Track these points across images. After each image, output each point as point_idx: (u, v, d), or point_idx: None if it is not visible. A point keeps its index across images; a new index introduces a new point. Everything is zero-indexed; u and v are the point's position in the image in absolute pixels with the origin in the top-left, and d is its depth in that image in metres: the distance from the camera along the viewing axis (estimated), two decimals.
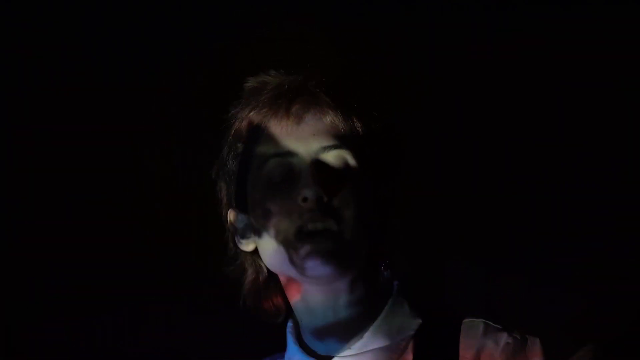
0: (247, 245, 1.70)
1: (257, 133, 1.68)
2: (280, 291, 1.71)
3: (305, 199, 1.60)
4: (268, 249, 1.66)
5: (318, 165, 1.63)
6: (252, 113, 1.69)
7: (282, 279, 1.69)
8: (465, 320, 1.66)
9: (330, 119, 1.65)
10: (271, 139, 1.66)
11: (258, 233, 1.67)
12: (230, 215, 1.73)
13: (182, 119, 2.27)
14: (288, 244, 1.62)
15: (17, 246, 2.23)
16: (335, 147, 1.64)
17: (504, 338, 1.62)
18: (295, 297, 1.68)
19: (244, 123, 1.70)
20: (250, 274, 1.72)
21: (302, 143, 1.64)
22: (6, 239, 2.23)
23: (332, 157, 1.64)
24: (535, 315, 2.17)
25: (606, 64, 2.19)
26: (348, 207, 1.61)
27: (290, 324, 1.73)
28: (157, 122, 2.27)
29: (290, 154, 1.64)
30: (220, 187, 1.75)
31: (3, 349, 2.21)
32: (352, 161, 1.64)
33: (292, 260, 1.62)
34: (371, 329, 1.66)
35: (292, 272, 1.64)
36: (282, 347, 1.75)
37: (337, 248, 1.60)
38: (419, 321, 1.67)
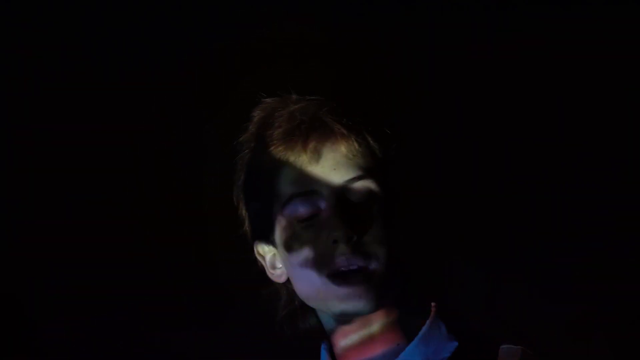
0: (280, 277, 1.69)
1: (276, 170, 1.64)
2: (316, 315, 1.69)
3: (335, 242, 1.58)
4: (302, 287, 1.64)
5: (343, 202, 1.60)
6: (268, 148, 1.65)
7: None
8: (503, 346, 1.64)
9: (346, 148, 1.62)
10: (291, 177, 1.63)
11: (288, 268, 1.66)
12: (258, 248, 1.71)
13: (182, 119, 2.27)
14: (324, 286, 1.60)
15: (17, 246, 2.23)
16: (357, 178, 1.61)
17: None
18: (327, 322, 1.66)
19: (262, 158, 1.66)
20: (284, 299, 1.70)
21: (324, 180, 1.61)
22: (6, 239, 2.22)
23: (355, 189, 1.61)
24: (536, 316, 2.17)
25: (606, 64, 2.19)
26: (378, 243, 1.59)
27: (325, 345, 1.71)
28: (157, 122, 2.27)
29: (314, 192, 1.61)
30: (242, 216, 1.72)
31: (3, 349, 2.21)
32: (375, 189, 1.62)
33: (328, 301, 1.60)
34: (407, 350, 1.64)
35: (329, 311, 1.62)
36: None
37: (371, 287, 1.58)
38: (456, 344, 1.65)
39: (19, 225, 2.24)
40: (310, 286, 1.62)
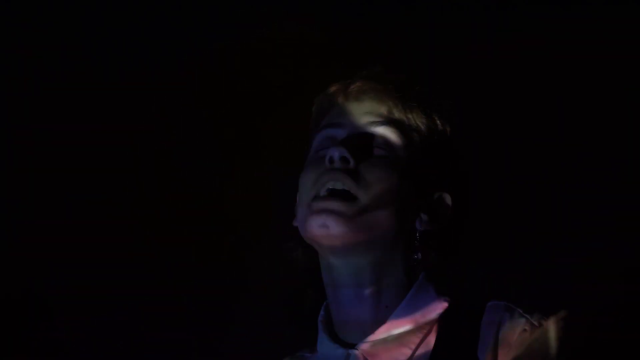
0: (295, 221, 1.71)
1: (322, 112, 1.73)
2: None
3: (331, 160, 1.62)
4: (298, 215, 1.67)
5: (358, 133, 1.66)
6: (322, 96, 1.74)
7: (320, 256, 1.69)
8: (490, 303, 1.66)
9: (388, 105, 1.67)
10: (329, 114, 1.71)
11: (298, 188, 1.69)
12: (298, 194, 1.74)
13: (182, 119, 2.27)
14: (306, 206, 1.63)
15: (17, 246, 2.23)
16: (383, 122, 1.66)
17: (521, 324, 1.62)
18: (324, 276, 1.68)
19: (315, 107, 1.76)
20: (300, 251, 1.73)
21: (353, 118, 1.67)
22: (6, 238, 2.22)
23: (377, 131, 1.66)
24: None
25: (606, 64, 2.19)
26: (374, 174, 1.62)
27: (322, 313, 1.73)
28: (157, 122, 2.27)
29: (339, 124, 1.68)
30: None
31: (3, 349, 2.21)
32: (396, 140, 1.65)
33: (306, 223, 1.62)
34: (395, 312, 1.66)
35: (307, 236, 1.64)
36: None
37: (351, 211, 1.59)
38: (445, 305, 1.67)
39: (18, 225, 2.24)
40: (299, 211, 1.66)
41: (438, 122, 1.71)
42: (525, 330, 1.61)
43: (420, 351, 1.64)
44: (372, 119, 1.67)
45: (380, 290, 1.66)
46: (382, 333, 1.64)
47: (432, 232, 1.68)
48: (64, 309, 2.24)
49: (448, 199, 1.71)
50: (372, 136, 1.66)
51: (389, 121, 1.67)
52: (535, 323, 1.62)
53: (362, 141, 1.65)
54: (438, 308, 1.67)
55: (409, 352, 1.64)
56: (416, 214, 1.67)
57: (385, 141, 1.65)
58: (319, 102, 1.75)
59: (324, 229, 1.59)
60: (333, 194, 1.60)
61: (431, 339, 1.64)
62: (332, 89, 1.73)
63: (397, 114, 1.67)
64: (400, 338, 1.64)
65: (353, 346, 1.66)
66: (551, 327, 1.62)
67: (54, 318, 2.22)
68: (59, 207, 2.25)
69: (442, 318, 1.66)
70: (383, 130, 1.66)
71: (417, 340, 1.64)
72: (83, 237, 2.23)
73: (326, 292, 1.70)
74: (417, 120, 1.68)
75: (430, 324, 1.65)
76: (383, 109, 1.68)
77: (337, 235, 1.59)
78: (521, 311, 1.63)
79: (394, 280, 1.66)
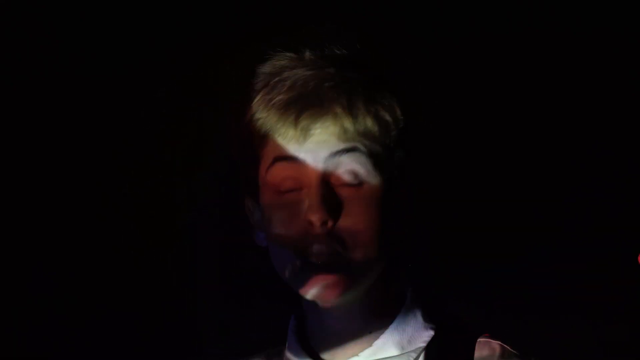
0: (261, 242, 1.63)
1: (266, 134, 1.59)
2: None
3: (311, 223, 1.53)
4: (276, 264, 1.59)
5: (326, 179, 1.54)
6: (263, 112, 1.59)
7: None
8: (481, 339, 1.61)
9: (341, 124, 1.55)
10: (278, 144, 1.57)
11: (268, 238, 1.60)
12: (247, 202, 1.66)
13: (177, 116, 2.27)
14: (294, 272, 1.55)
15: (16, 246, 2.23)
16: (346, 150, 1.54)
17: None
18: (305, 303, 1.62)
19: (257, 117, 1.60)
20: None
21: (310, 153, 1.55)
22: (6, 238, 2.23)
23: (342, 162, 1.54)
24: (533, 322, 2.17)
25: (605, 64, 2.19)
26: (356, 225, 1.53)
27: (293, 321, 1.67)
28: (151, 119, 2.27)
29: (296, 160, 1.55)
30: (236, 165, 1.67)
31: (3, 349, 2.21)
32: (364, 168, 1.55)
33: (299, 289, 1.56)
34: (382, 337, 1.60)
35: (293, 289, 1.58)
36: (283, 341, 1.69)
37: (345, 277, 1.53)
38: (432, 333, 1.61)
39: (18, 225, 2.24)
40: (283, 267, 1.57)
41: (391, 119, 1.57)
42: None
43: None
44: (331, 149, 1.54)
45: (368, 313, 1.59)
46: (366, 356, 1.59)
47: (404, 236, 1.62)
48: (63, 308, 2.24)
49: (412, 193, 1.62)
50: (338, 172, 1.55)
51: (349, 148, 1.54)
52: None
53: (331, 185, 1.54)
54: (424, 335, 1.61)
55: None
56: (397, 229, 1.60)
57: (354, 174, 1.55)
58: (253, 120, 1.60)
59: (326, 302, 1.54)
60: (321, 267, 1.53)
61: None
62: (272, 112, 1.58)
63: (354, 135, 1.55)
64: None
65: None
66: None
67: (53, 318, 2.22)
68: (57, 207, 2.25)
69: (429, 347, 1.60)
70: (347, 161, 1.54)
71: None
72: (81, 237, 2.23)
73: (304, 306, 1.64)
74: (373, 130, 1.56)
75: (416, 351, 1.59)
76: (339, 136, 1.54)
77: (340, 303, 1.55)
78: (518, 354, 1.59)
79: (376, 302, 1.59)
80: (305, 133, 1.55)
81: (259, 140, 1.60)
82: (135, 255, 2.24)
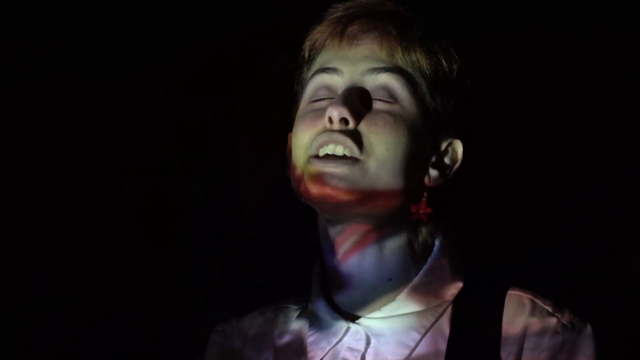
0: (287, 170, 1.59)
1: (315, 52, 1.59)
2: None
3: (330, 120, 1.48)
4: (292, 171, 1.54)
5: (358, 85, 1.51)
6: (314, 33, 1.59)
7: (318, 215, 1.56)
8: (511, 292, 1.53)
9: (389, 43, 1.52)
10: (323, 57, 1.56)
11: (292, 150, 1.56)
12: (289, 139, 1.61)
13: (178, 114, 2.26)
14: (302, 165, 1.50)
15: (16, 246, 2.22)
16: (385, 70, 1.52)
17: (552, 325, 1.49)
18: (322, 236, 1.56)
19: (307, 43, 1.60)
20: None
21: (350, 62, 1.52)
22: (6, 238, 2.22)
23: (379, 80, 1.51)
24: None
25: (605, 64, 2.18)
26: (378, 135, 1.48)
27: (317, 269, 1.61)
28: (152, 118, 2.26)
29: (335, 70, 1.53)
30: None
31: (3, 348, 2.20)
32: (401, 90, 1.51)
33: (301, 184, 1.49)
34: (405, 291, 1.52)
35: (302, 198, 1.51)
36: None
37: (353, 174, 1.46)
38: (460, 285, 1.54)
39: (18, 225, 2.23)
40: (292, 168, 1.53)
41: (444, 62, 1.55)
42: (557, 332, 1.49)
43: (431, 337, 1.51)
44: (372, 65, 1.52)
45: (383, 259, 1.52)
46: (389, 311, 1.51)
47: (441, 188, 1.53)
48: (62, 308, 2.23)
49: (459, 147, 1.56)
50: (374, 86, 1.51)
51: (391, 68, 1.52)
52: (568, 325, 1.50)
53: (363, 93, 1.51)
54: (452, 288, 1.54)
55: (417, 337, 1.51)
56: (424, 170, 1.52)
57: (389, 92, 1.51)
58: (310, 40, 1.60)
59: (323, 193, 1.47)
60: (329, 158, 1.47)
61: (444, 326, 1.51)
62: (325, 27, 1.57)
63: (400, 58, 1.53)
64: (408, 320, 1.51)
65: (353, 318, 1.54)
66: (587, 334, 1.50)
67: (52, 318, 2.21)
68: (57, 207, 2.24)
69: (457, 301, 1.52)
70: (386, 79, 1.51)
71: (427, 324, 1.51)
72: (81, 237, 2.23)
73: (323, 252, 1.56)
74: (421, 62, 1.53)
75: (442, 306, 1.52)
76: (383, 53, 1.52)
77: (337, 201, 1.47)
78: (550, 309, 1.52)
79: (397, 248, 1.52)
80: (350, 42, 1.53)
81: (311, 59, 1.59)
82: (135, 255, 2.23)
